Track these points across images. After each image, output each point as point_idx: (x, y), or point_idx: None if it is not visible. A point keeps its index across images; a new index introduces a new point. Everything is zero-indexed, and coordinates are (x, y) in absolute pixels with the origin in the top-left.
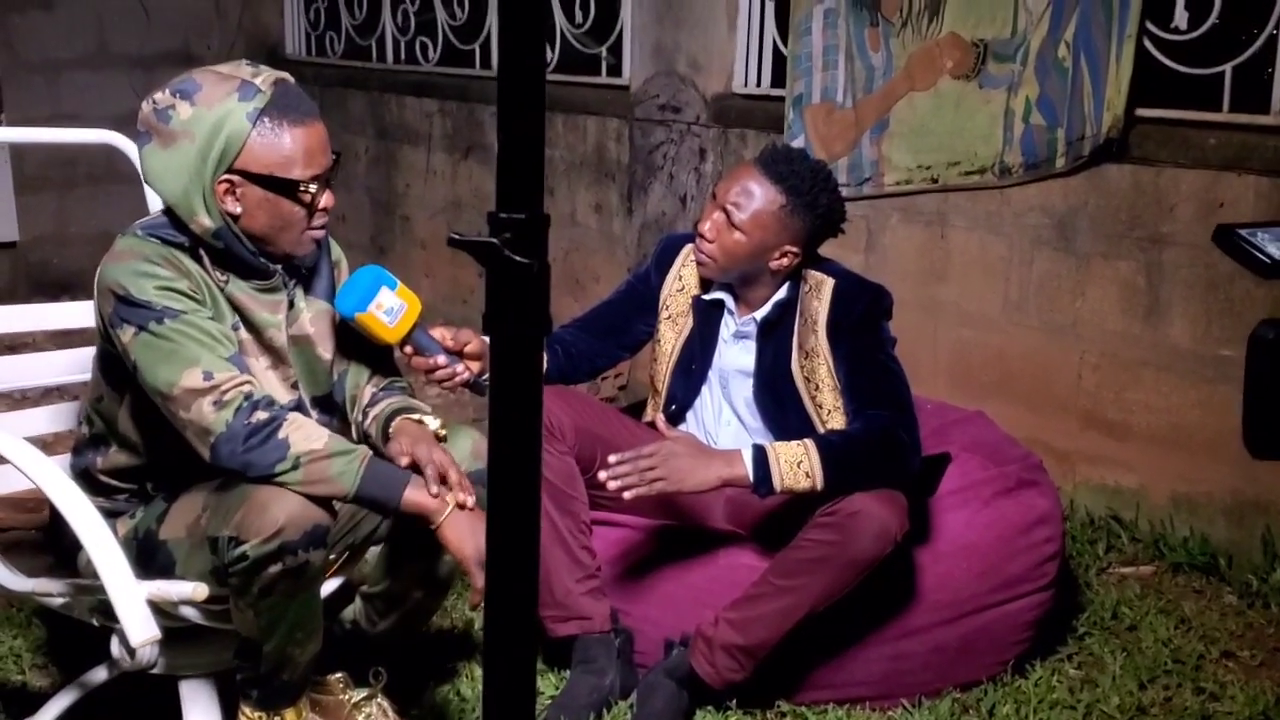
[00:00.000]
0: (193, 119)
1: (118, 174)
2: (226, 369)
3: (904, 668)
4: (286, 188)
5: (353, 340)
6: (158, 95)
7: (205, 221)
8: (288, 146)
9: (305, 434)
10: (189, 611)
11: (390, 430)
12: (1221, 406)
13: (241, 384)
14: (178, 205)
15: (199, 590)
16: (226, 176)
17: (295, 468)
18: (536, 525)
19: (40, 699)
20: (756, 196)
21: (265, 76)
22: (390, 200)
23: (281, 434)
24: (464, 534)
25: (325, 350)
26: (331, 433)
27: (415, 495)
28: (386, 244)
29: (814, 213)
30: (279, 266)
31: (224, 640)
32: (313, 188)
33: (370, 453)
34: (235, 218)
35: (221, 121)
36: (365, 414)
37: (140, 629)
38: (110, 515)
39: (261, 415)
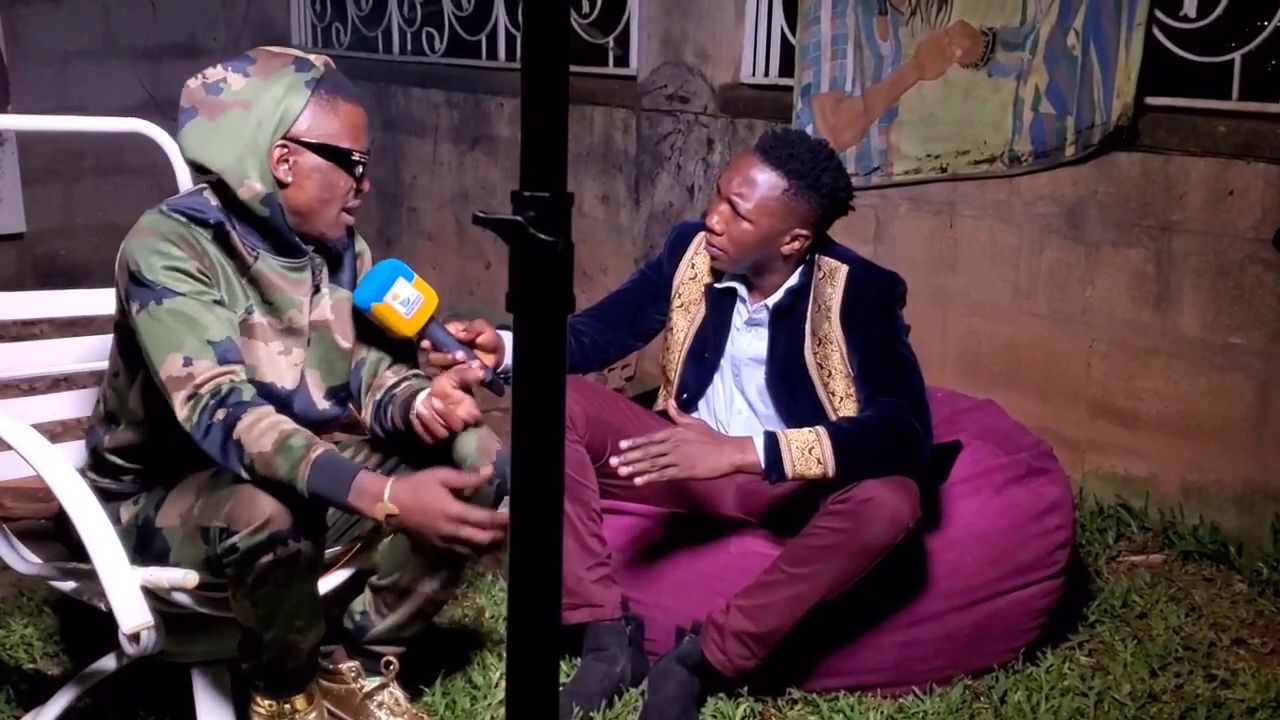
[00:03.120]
0: (247, 88)
1: (125, 166)
2: (207, 357)
3: (915, 655)
4: (340, 156)
5: (374, 332)
6: (208, 71)
7: (256, 186)
8: (341, 118)
9: (257, 433)
10: (184, 599)
11: (419, 401)
12: (1231, 394)
13: (216, 377)
14: (227, 170)
15: (189, 578)
16: (283, 141)
17: (252, 467)
18: (559, 514)
19: (51, 686)
20: (759, 184)
21: (315, 56)
22: (397, 192)
23: (236, 434)
24: (416, 524)
25: (344, 339)
26: (288, 428)
27: (355, 500)
28: (393, 236)
29: (818, 193)
30: (311, 247)
31: (236, 628)
32: (365, 157)
33: (319, 451)
34: (284, 186)
35: (281, 89)
36: (386, 396)
37: (132, 615)
38: (118, 498)
39: (220, 414)
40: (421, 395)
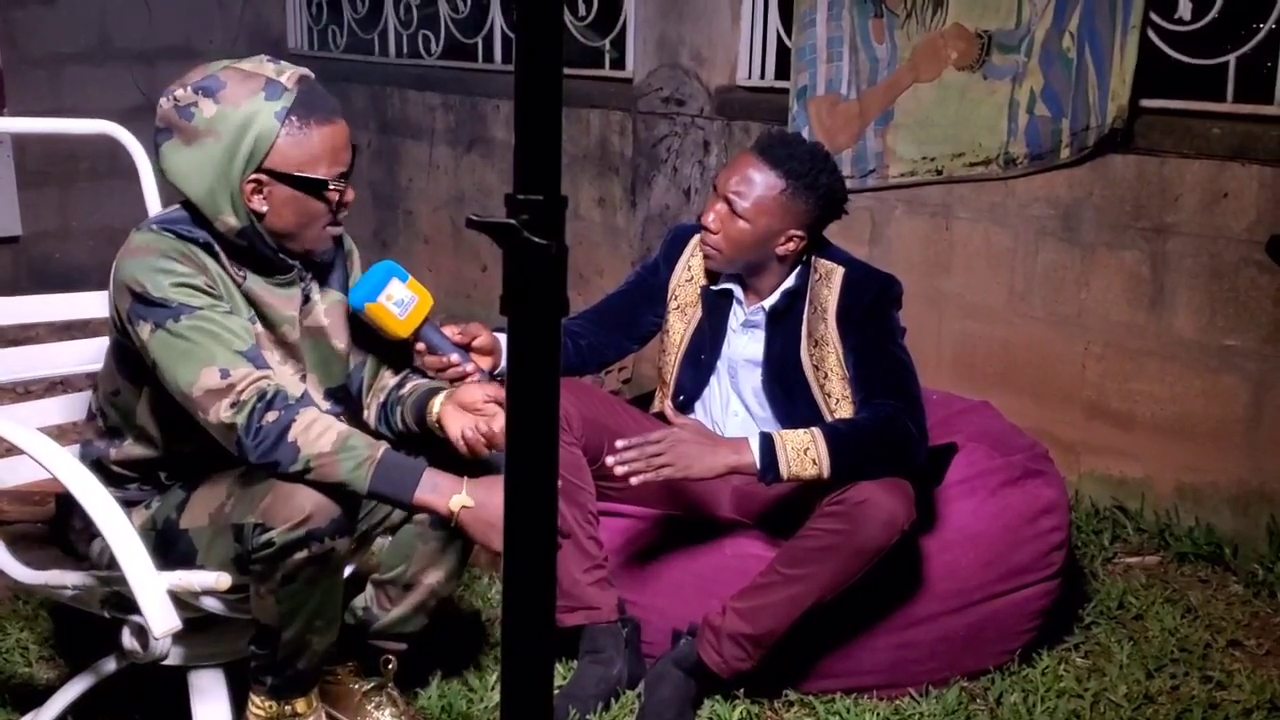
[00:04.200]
0: (218, 117)
1: (120, 169)
2: (243, 365)
3: (911, 657)
4: (314, 186)
5: (370, 334)
6: (178, 92)
7: (231, 221)
8: (315, 145)
9: (314, 434)
10: (209, 601)
11: (438, 405)
12: (1226, 396)
13: (256, 381)
14: (203, 204)
15: (222, 579)
16: (255, 176)
17: (307, 469)
18: (554, 516)
19: (47, 691)
20: (757, 183)
21: (289, 74)
22: (393, 194)
23: (290, 436)
24: (483, 530)
25: (339, 341)
26: (344, 429)
27: (426, 496)
28: (389, 238)
29: (815, 194)
30: (297, 262)
31: (236, 630)
32: (340, 185)
33: (382, 450)
34: (260, 216)
35: (249, 121)
36: (392, 397)
37: (162, 620)
38: (125, 505)
39: (271, 417)
40: (437, 401)
